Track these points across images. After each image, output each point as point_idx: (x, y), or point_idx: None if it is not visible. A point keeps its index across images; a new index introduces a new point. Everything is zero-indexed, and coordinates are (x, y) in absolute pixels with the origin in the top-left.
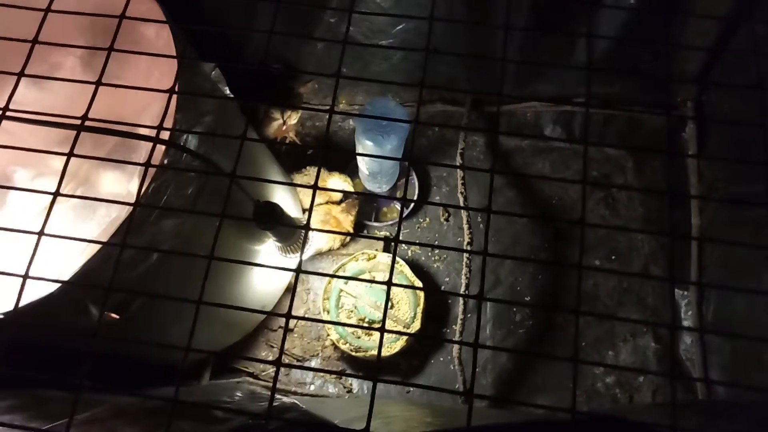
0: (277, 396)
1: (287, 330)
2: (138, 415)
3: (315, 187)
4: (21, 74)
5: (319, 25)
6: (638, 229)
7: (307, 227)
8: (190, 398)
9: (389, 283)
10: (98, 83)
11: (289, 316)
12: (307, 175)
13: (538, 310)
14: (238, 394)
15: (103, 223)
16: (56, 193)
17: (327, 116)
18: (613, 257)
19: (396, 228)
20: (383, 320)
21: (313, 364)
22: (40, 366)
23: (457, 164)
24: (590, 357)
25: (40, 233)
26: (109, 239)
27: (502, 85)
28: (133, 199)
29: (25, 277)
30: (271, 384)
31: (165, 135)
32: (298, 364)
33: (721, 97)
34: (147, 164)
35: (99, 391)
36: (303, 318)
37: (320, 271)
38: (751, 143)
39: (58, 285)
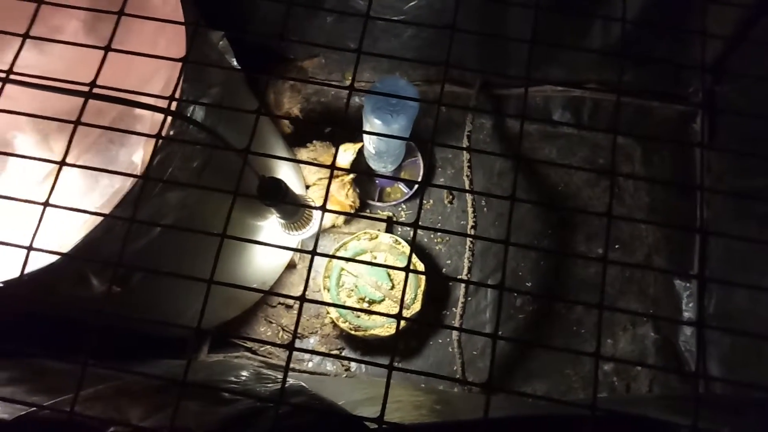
0: (288, 379)
1: (300, 312)
2: (143, 393)
3: (332, 167)
4: (26, 36)
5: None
6: (676, 225)
7: (323, 208)
8: (196, 377)
9: (407, 270)
10: (107, 48)
11: (302, 299)
12: (314, 150)
13: (541, 298)
14: (244, 374)
15: (105, 194)
16: (62, 162)
17: (332, 92)
18: (617, 246)
19: (398, 208)
20: (400, 307)
21: (312, 341)
22: (41, 337)
23: (464, 146)
24: (589, 344)
25: (45, 203)
26: (113, 211)
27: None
28: (136, 170)
29: (30, 248)
30: (272, 361)
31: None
32: (311, 349)
33: (733, 88)
34: (158, 136)
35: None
36: (316, 302)
37: (321, 247)
38: (762, 137)
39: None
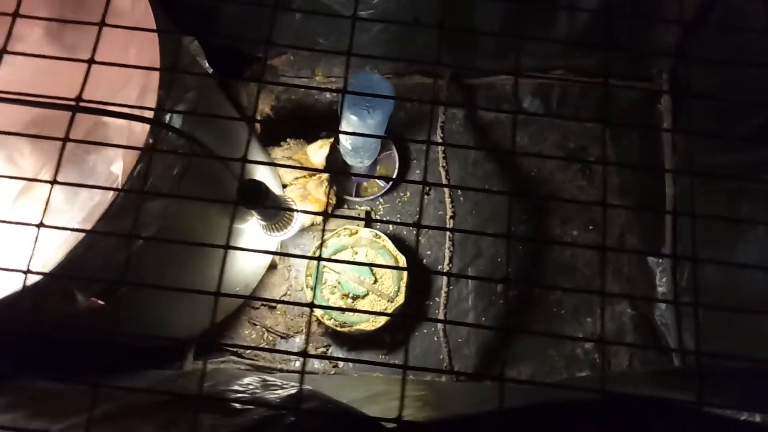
0: (293, 384)
1: (310, 321)
2: (150, 410)
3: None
4: (3, 51)
5: None
6: (668, 210)
7: (326, 215)
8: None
9: (405, 268)
10: (91, 61)
11: (312, 305)
12: (288, 148)
13: (519, 282)
14: (249, 382)
15: (86, 207)
16: (53, 181)
17: (302, 90)
18: (591, 227)
19: (375, 203)
20: (403, 303)
21: (298, 340)
22: (28, 358)
23: (439, 138)
24: (569, 325)
25: (40, 225)
26: (96, 225)
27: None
28: (116, 181)
29: (27, 272)
30: (259, 363)
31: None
32: (326, 354)
33: (695, 68)
34: (150, 149)
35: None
36: (328, 307)
37: (301, 246)
38: (725, 114)
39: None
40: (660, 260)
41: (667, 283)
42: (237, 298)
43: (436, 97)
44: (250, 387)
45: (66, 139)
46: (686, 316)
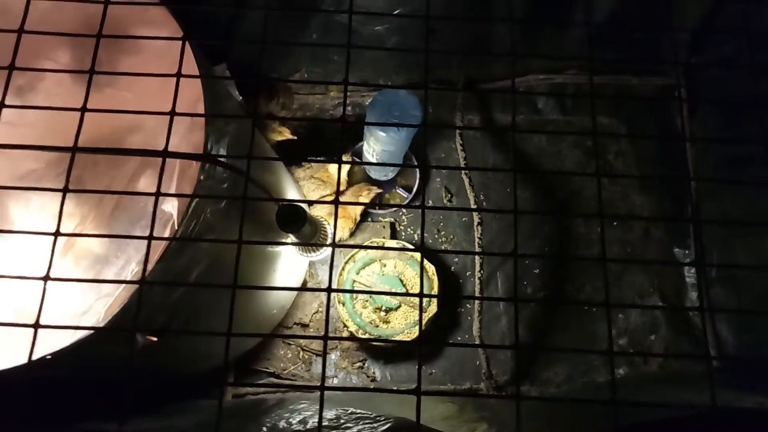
0: (384, 416)
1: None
2: None
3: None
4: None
5: (315, 16)
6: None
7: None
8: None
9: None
10: (172, 114)
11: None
12: (309, 168)
13: (549, 282)
14: (335, 415)
15: (141, 248)
16: (150, 237)
17: (317, 105)
18: (615, 223)
19: (399, 213)
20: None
21: (333, 357)
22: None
23: (459, 145)
24: (602, 322)
25: (143, 282)
26: (156, 265)
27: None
28: (171, 220)
29: (134, 329)
30: (297, 383)
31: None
32: (363, 369)
33: (710, 60)
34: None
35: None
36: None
37: (328, 262)
38: (742, 105)
39: (108, 320)
40: (686, 252)
41: (695, 273)
42: (270, 323)
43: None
44: (342, 421)
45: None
46: (718, 306)
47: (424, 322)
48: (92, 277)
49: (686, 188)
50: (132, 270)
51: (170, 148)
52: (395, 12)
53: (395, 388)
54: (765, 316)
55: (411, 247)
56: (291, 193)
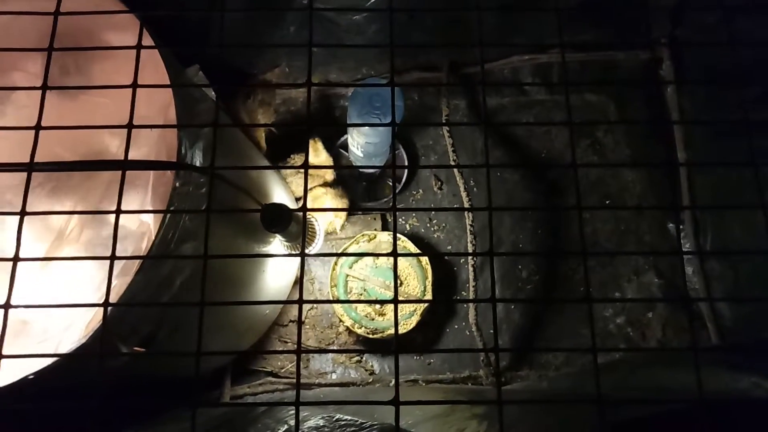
0: (371, 422)
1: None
2: None
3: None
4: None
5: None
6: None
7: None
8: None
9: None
10: (129, 126)
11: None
12: (294, 163)
13: (543, 264)
14: (318, 423)
15: (121, 260)
16: (112, 257)
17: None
18: (607, 201)
19: (389, 205)
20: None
21: (330, 354)
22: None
23: (447, 131)
24: (596, 304)
25: (105, 303)
26: (135, 276)
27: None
28: (148, 229)
29: (102, 354)
30: (291, 379)
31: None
32: (361, 363)
33: (694, 30)
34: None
35: None
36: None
37: (320, 258)
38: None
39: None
40: (681, 226)
41: (691, 247)
42: (263, 323)
43: (439, 89)
44: (326, 430)
45: (118, 211)
46: (715, 279)
47: (419, 312)
48: (71, 291)
49: (677, 160)
50: (113, 285)
51: (144, 156)
52: (367, 4)
53: (390, 385)
54: (762, 289)
55: (398, 242)
56: (277, 191)
